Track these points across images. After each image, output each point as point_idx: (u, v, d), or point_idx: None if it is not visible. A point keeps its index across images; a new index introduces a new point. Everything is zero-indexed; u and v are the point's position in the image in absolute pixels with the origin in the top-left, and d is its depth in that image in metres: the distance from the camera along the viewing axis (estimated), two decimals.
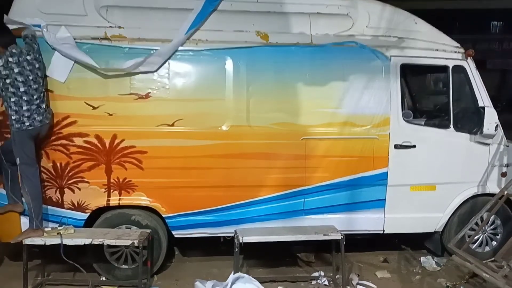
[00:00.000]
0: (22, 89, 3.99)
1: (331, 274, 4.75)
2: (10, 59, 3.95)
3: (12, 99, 4.00)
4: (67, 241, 4.11)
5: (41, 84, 4.12)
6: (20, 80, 3.97)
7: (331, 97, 4.64)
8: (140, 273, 4.27)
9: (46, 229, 4.20)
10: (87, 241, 4.11)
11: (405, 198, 4.87)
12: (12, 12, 4.27)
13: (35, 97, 4.04)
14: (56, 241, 4.10)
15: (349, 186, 4.75)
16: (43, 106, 4.11)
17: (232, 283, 3.97)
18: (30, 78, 4.01)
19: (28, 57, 4.02)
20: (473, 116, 4.88)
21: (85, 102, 4.31)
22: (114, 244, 4.24)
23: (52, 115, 4.23)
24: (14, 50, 4.00)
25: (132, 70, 4.30)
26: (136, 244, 4.13)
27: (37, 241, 4.12)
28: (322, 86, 4.63)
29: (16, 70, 3.95)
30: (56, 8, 4.29)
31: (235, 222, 4.65)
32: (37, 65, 4.07)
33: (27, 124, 4.02)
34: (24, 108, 4.01)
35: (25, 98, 4.00)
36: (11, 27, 4.21)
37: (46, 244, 4.12)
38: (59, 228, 4.22)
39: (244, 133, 4.54)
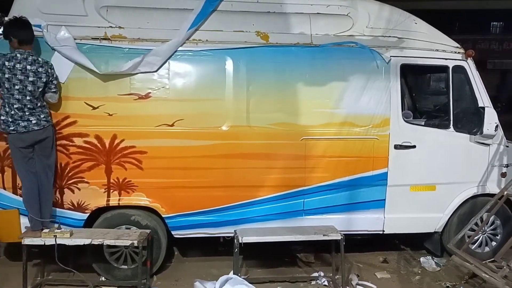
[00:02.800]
0: (6, 94, 3.96)
1: (331, 275, 4.75)
2: (6, 63, 3.92)
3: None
4: (67, 241, 4.11)
5: (33, 95, 4.03)
6: (6, 86, 3.94)
7: (331, 98, 4.64)
8: (139, 273, 4.27)
9: (43, 231, 4.19)
10: (86, 241, 4.11)
11: (405, 199, 4.87)
12: (12, 12, 4.26)
13: (16, 106, 3.98)
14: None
15: (349, 186, 4.75)
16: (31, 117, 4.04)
17: (221, 286, 3.98)
18: (16, 88, 3.95)
19: (28, 67, 3.97)
20: (473, 117, 4.88)
21: (85, 102, 4.30)
22: (113, 244, 4.24)
23: (48, 126, 4.15)
24: (18, 55, 3.96)
25: (132, 71, 4.30)
26: (135, 244, 4.13)
27: (37, 241, 4.12)
28: (322, 86, 4.63)
29: (6, 76, 3.92)
30: (56, 8, 4.29)
31: (235, 222, 4.65)
32: (31, 78, 3.98)
33: (11, 128, 4.00)
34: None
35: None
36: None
37: (45, 244, 4.12)
38: (56, 230, 4.18)
39: (244, 133, 4.54)
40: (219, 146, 4.50)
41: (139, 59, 4.26)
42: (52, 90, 4.13)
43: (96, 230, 4.43)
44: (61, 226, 4.27)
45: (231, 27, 4.49)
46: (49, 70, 4.07)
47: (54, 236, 4.11)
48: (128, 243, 4.16)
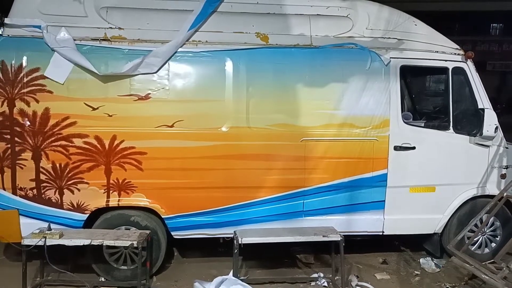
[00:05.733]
0: None
1: (330, 276, 4.75)
2: None
3: None
4: (66, 242, 4.12)
5: None
6: None
7: (330, 99, 4.65)
8: (139, 274, 4.27)
9: (33, 232, 4.18)
10: (86, 242, 4.11)
11: (404, 200, 4.87)
12: (12, 13, 4.28)
13: None
14: (56, 241, 4.10)
15: (348, 187, 4.76)
16: None
17: (217, 287, 3.98)
18: None
19: None
20: (472, 118, 4.89)
21: (85, 103, 4.31)
22: (113, 245, 4.24)
23: None
24: None
25: (131, 73, 4.30)
26: (135, 245, 4.13)
27: (37, 241, 4.11)
28: (322, 87, 4.63)
29: None
30: (56, 9, 4.30)
31: (235, 223, 4.65)
32: None
33: None
34: None
35: None
36: (12, 30, 4.22)
37: (46, 245, 4.10)
38: (47, 232, 4.18)
39: (244, 134, 4.54)
40: (219, 147, 4.50)
41: (139, 61, 4.27)
42: None
43: (95, 230, 4.43)
44: (51, 227, 4.28)
45: (231, 28, 4.50)
46: None
47: (43, 237, 4.11)
48: (127, 243, 4.15)
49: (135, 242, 4.12)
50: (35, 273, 4.56)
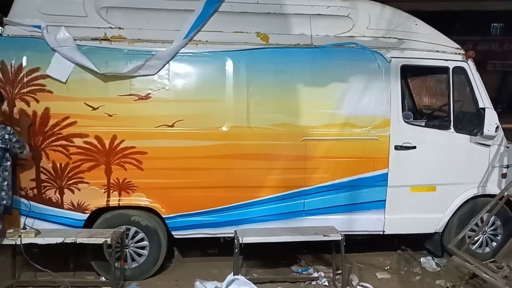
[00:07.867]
0: None
1: (331, 275, 4.74)
2: None
3: None
4: (39, 240, 4.10)
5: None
6: None
7: (331, 98, 4.64)
8: (113, 271, 4.26)
9: (8, 231, 4.16)
10: (59, 240, 4.09)
11: (405, 199, 4.87)
12: (12, 13, 4.29)
13: None
14: (30, 240, 4.10)
15: (349, 187, 4.75)
16: None
17: (227, 286, 3.98)
18: None
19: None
20: (473, 117, 4.89)
21: (85, 103, 4.31)
22: (86, 242, 4.17)
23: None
24: None
25: (132, 74, 4.31)
26: (109, 242, 4.12)
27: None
28: (323, 87, 4.63)
29: None
30: (56, 9, 4.30)
31: (235, 222, 4.64)
32: None
33: None
34: None
35: None
36: (12, 30, 4.22)
37: (22, 243, 4.08)
38: (21, 230, 4.19)
39: (244, 134, 4.54)
40: (219, 147, 4.50)
41: (141, 63, 4.27)
42: (19, 151, 4.09)
43: (70, 229, 4.38)
44: (27, 226, 4.31)
45: (231, 28, 4.49)
46: (6, 136, 3.92)
47: (18, 236, 4.10)
48: (101, 241, 4.14)
49: (108, 240, 4.11)
50: (5, 274, 4.47)
